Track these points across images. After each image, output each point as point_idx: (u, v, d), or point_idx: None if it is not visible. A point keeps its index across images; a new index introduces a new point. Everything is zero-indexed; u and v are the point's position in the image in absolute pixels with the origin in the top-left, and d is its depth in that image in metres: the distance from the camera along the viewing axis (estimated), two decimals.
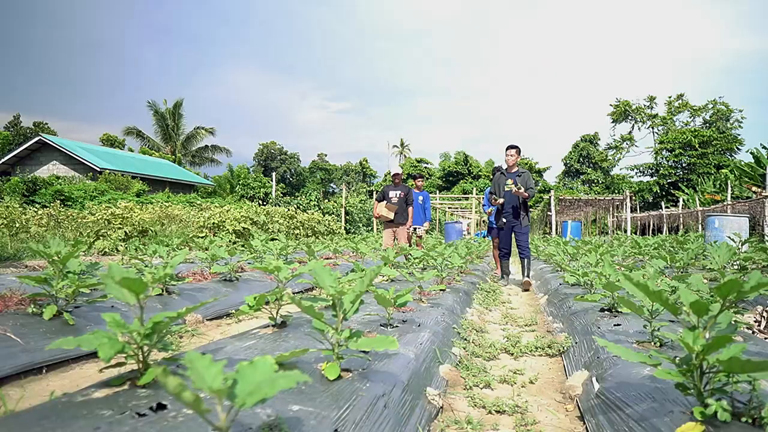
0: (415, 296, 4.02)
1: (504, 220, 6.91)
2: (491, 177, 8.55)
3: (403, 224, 8.44)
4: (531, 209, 40.49)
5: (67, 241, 9.29)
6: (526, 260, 6.96)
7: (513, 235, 6.94)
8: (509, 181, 6.79)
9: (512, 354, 3.20)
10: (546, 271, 7.75)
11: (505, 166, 7.07)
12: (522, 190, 6.62)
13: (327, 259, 8.05)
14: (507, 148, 6.94)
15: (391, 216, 8.27)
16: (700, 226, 19.65)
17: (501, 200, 6.86)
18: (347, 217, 23.69)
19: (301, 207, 22.84)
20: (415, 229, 9.10)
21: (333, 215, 22.87)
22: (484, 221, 22.45)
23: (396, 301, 2.73)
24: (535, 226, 30.57)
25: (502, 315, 4.65)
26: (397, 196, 8.52)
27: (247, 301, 2.55)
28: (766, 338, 3.09)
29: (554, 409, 2.24)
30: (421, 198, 9.34)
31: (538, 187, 42.66)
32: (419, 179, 9.57)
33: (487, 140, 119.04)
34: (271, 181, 28.05)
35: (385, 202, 8.44)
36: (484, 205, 8.84)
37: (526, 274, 6.93)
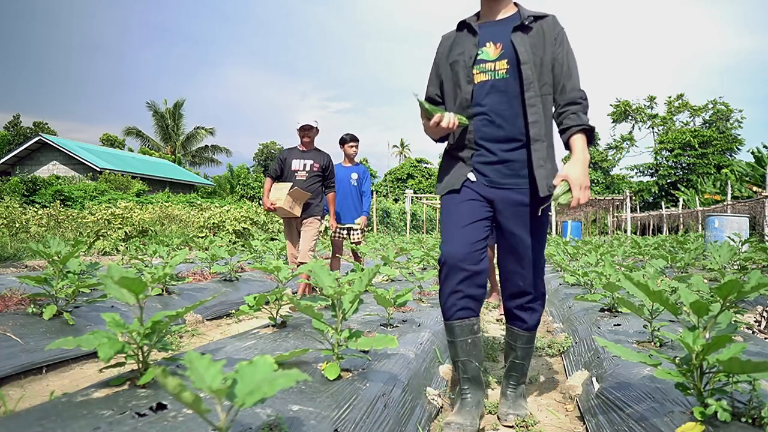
0: (415, 296, 4.02)
1: (487, 176, 2.02)
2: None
3: (316, 217, 4.57)
4: None
5: (67, 241, 9.30)
6: (521, 346, 2.12)
7: (505, 240, 2.04)
8: (489, 49, 1.98)
9: None
10: (546, 270, 7.75)
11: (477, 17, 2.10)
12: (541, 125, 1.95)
13: (327, 259, 8.05)
14: None
15: (297, 211, 4.40)
16: (700, 226, 19.66)
17: (452, 120, 1.93)
18: None
19: None
20: (348, 230, 5.33)
21: None
22: None
23: (396, 301, 2.73)
24: None
25: (500, 313, 4.65)
26: (307, 169, 4.56)
27: (247, 301, 2.55)
28: (766, 338, 3.09)
29: (554, 409, 2.24)
30: (355, 176, 5.34)
31: None
32: (351, 144, 5.32)
33: None
34: None
35: (286, 184, 4.43)
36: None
37: (513, 395, 2.14)
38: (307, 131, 4.54)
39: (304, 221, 4.55)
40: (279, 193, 4.35)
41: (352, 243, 5.42)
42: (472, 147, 2.02)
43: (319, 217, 4.60)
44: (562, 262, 6.91)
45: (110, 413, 1.36)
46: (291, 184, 4.40)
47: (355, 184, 5.38)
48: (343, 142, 5.36)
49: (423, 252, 5.55)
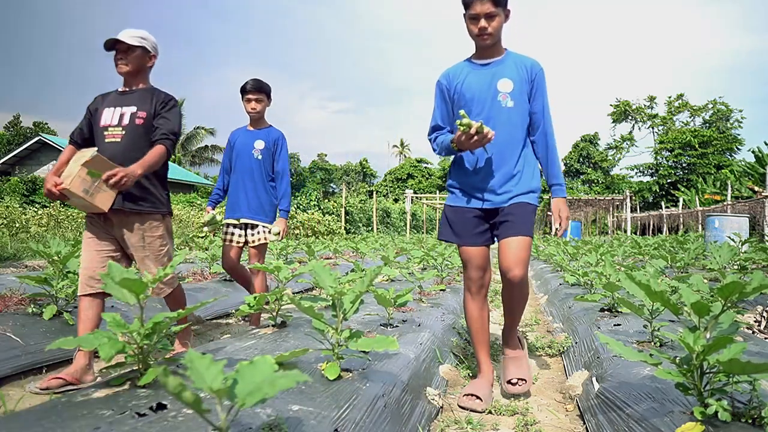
0: (415, 296, 4.02)
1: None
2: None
3: (153, 216, 2.47)
4: None
5: (67, 241, 9.30)
6: None
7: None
8: None
9: None
10: (546, 271, 7.75)
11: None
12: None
13: (327, 259, 8.05)
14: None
15: (104, 203, 2.26)
16: (700, 226, 19.64)
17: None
18: (347, 217, 23.68)
19: (301, 207, 22.83)
20: (245, 228, 3.42)
21: (333, 215, 22.87)
22: None
23: (396, 301, 2.73)
24: (534, 226, 30.49)
25: (502, 315, 4.65)
26: (124, 122, 2.42)
27: (247, 301, 2.55)
28: (766, 338, 3.09)
29: (554, 409, 2.24)
30: (260, 146, 3.41)
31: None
32: (250, 95, 3.35)
33: None
34: None
35: (90, 149, 2.31)
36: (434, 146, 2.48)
37: None
38: (122, 54, 2.42)
39: (130, 225, 2.42)
40: (72, 167, 2.25)
41: (252, 246, 3.39)
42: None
43: (151, 215, 2.48)
44: (562, 262, 6.91)
45: (110, 413, 1.36)
46: (95, 150, 2.34)
47: (260, 156, 3.39)
48: (242, 91, 3.39)
49: (423, 252, 5.55)
